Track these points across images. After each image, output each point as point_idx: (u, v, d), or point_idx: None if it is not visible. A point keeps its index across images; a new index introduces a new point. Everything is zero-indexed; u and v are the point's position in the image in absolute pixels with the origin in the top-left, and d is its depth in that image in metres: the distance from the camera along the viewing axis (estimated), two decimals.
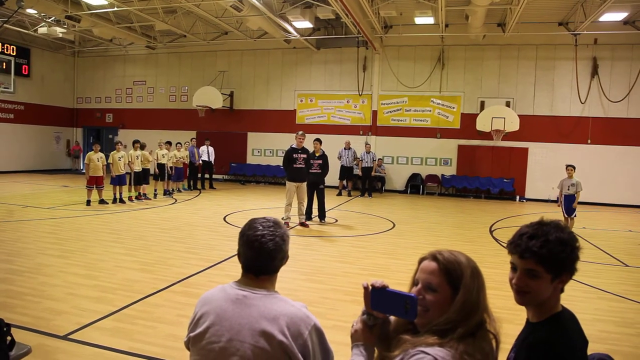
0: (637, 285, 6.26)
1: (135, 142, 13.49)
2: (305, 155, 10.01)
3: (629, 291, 5.90)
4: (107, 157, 12.51)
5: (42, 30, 18.16)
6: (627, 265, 7.43)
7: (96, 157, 12.03)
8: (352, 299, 5.14)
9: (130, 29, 18.18)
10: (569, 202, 9.77)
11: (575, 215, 9.73)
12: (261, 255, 1.77)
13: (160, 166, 14.36)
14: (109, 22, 17.00)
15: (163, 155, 14.41)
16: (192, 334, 1.78)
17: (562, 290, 1.56)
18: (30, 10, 15.91)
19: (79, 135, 23.77)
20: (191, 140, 17.03)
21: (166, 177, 14.70)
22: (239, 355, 1.65)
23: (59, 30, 18.28)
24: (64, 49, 22.26)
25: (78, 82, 23.56)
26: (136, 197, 13.16)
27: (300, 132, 10.16)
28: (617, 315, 5.02)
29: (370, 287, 1.57)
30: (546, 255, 1.48)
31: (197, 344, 1.75)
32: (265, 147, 20.26)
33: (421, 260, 1.57)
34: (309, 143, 10.28)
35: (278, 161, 19.31)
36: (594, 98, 16.51)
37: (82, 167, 21.11)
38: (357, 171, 17.19)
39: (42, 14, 16.69)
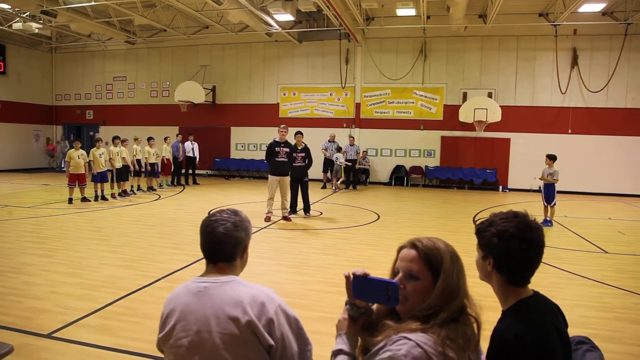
0: (616, 271, 6.40)
1: (115, 138, 13.30)
2: (287, 149, 9.92)
3: (608, 277, 6.04)
4: (88, 154, 12.32)
5: (17, 25, 17.71)
6: (606, 252, 7.58)
7: (77, 155, 11.84)
8: (338, 290, 5.16)
9: (109, 23, 17.88)
10: (548, 191, 9.94)
11: (554, 204, 9.87)
12: (210, 239, 1.78)
13: (137, 162, 14.08)
14: (87, 17, 16.66)
15: (140, 150, 14.18)
16: (160, 335, 1.79)
17: (508, 281, 1.59)
18: (3, 5, 15.53)
19: (59, 132, 23.35)
20: (176, 135, 16.89)
21: (156, 172, 14.72)
22: (209, 346, 1.65)
23: (34, 26, 17.89)
24: (41, 45, 21.81)
25: (56, 79, 23.11)
26: (119, 194, 13.03)
27: (283, 126, 10.09)
28: (596, 301, 5.13)
29: (351, 276, 1.57)
30: (477, 237, 1.66)
31: (167, 342, 1.75)
32: (249, 142, 20.17)
33: (400, 249, 1.58)
34: (290, 136, 10.22)
35: (262, 155, 19.03)
36: (574, 88, 16.73)
37: (62, 166, 20.79)
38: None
39: (17, 9, 16.28)
